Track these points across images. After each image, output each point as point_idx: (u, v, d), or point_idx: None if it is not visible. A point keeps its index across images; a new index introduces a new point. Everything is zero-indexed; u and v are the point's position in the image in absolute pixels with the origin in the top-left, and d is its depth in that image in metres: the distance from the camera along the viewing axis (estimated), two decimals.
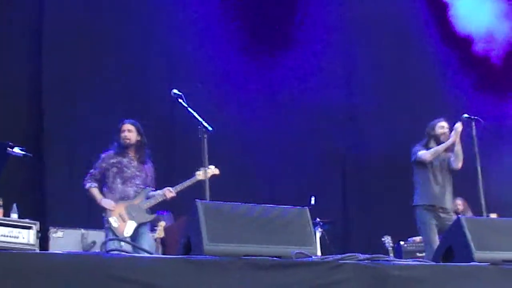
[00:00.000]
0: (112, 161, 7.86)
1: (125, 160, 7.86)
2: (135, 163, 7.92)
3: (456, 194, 9.37)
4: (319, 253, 8.27)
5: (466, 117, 8.44)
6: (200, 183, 7.32)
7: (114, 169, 7.83)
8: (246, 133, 11.54)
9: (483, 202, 8.25)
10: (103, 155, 7.94)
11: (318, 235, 10.15)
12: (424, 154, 8.46)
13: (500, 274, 4.89)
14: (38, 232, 4.12)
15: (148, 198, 7.90)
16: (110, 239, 7.41)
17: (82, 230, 8.99)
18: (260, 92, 12.19)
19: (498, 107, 12.81)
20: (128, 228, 7.66)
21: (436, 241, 8.14)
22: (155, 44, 11.35)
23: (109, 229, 7.71)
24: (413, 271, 4.54)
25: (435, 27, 13.20)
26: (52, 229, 8.80)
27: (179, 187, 7.93)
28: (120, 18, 11.06)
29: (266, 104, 12.20)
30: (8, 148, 6.09)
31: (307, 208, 4.62)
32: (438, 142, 8.59)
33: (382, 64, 12.86)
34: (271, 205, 4.56)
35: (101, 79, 10.56)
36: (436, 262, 5.17)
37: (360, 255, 4.48)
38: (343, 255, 4.38)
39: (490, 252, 5.04)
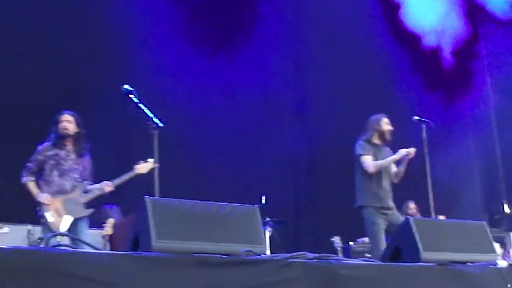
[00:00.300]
0: (49, 153, 7.64)
1: (62, 153, 7.66)
2: (72, 156, 7.72)
3: (406, 196, 9.45)
4: (268, 252, 8.26)
5: (416, 119, 8.49)
6: (150, 179, 7.24)
7: (51, 162, 7.62)
8: (197, 131, 11.50)
9: (431, 203, 8.34)
10: (39, 147, 7.70)
11: (268, 234, 10.14)
12: (368, 165, 8.23)
13: (447, 274, 4.95)
14: None
15: (85, 192, 7.74)
16: (55, 234, 7.25)
17: (29, 226, 8.81)
18: (212, 89, 12.14)
19: (447, 107, 12.97)
20: (64, 223, 7.48)
21: (383, 240, 8.11)
22: (105, 36, 11.22)
23: (45, 224, 7.51)
24: (361, 270, 4.56)
25: (386, 27, 13.33)
26: None
27: (118, 181, 7.80)
28: (70, 11, 10.92)
29: (218, 102, 12.16)
30: None
31: (257, 207, 4.61)
32: (383, 138, 8.43)
33: (333, 63, 12.94)
34: (221, 203, 4.53)
35: (49, 73, 10.40)
36: (384, 262, 5.21)
37: (309, 254, 4.49)
38: (292, 254, 4.38)
39: (437, 253, 5.10)
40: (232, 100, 12.35)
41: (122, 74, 10.43)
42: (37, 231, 8.68)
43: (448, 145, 12.39)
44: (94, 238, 8.12)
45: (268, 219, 10.17)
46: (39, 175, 7.70)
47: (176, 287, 3.78)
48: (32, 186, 7.64)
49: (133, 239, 4.28)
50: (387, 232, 8.15)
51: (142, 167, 7.67)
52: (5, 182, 9.68)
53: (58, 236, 6.91)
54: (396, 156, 8.27)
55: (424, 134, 8.44)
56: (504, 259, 5.71)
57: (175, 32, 11.87)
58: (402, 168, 8.32)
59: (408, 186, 8.85)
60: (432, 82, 13.26)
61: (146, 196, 4.24)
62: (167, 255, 3.91)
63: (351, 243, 10.79)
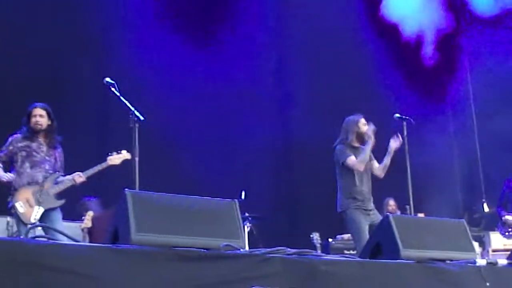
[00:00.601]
0: (20, 144, 7.63)
1: (34, 145, 7.64)
2: (44, 148, 7.70)
3: (386, 193, 9.46)
4: (247, 247, 8.25)
5: (397, 116, 8.48)
6: (131, 172, 7.20)
7: (23, 153, 7.60)
8: (177, 124, 11.46)
9: (411, 201, 8.36)
10: (10, 138, 7.69)
11: (246, 229, 10.14)
12: (354, 164, 8.08)
13: (426, 272, 4.97)
14: None
15: (57, 183, 7.72)
16: (35, 226, 7.22)
17: (8, 218, 8.76)
18: (192, 82, 12.11)
19: (427, 103, 13.01)
20: (35, 214, 7.45)
21: (366, 238, 8.06)
22: (86, 29, 11.17)
23: (16, 214, 7.48)
24: (340, 266, 4.56)
25: (368, 21, 13.35)
26: None
27: (90, 172, 7.79)
28: (51, 3, 10.86)
29: (198, 96, 12.13)
30: None
31: (236, 201, 4.60)
32: (361, 140, 8.25)
33: (314, 57, 12.96)
34: (201, 197, 4.52)
35: (30, 66, 10.32)
36: (364, 259, 5.21)
37: (289, 249, 4.48)
38: (272, 249, 4.38)
39: (416, 250, 5.12)
40: (212, 94, 12.32)
41: (104, 67, 10.41)
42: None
43: (429, 143, 12.42)
44: (73, 231, 8.10)
45: (247, 214, 10.17)
46: (11, 166, 7.68)
47: (155, 280, 3.76)
48: None
49: (113, 231, 4.26)
50: (369, 230, 8.09)
51: (115, 158, 7.74)
52: None
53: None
54: (371, 142, 8.16)
55: (405, 132, 8.43)
56: (483, 258, 5.74)
57: (156, 25, 11.84)
58: (388, 160, 8.26)
59: (388, 184, 8.83)
60: (412, 77, 13.29)
61: (126, 189, 4.22)
62: (146, 248, 3.89)
63: (330, 239, 10.80)
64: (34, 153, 7.63)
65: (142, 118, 6.62)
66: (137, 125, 6.60)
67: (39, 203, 7.49)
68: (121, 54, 11.22)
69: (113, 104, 7.32)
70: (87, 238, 8.81)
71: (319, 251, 10.10)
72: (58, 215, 7.71)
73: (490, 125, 12.92)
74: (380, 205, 9.66)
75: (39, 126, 7.66)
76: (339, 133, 8.43)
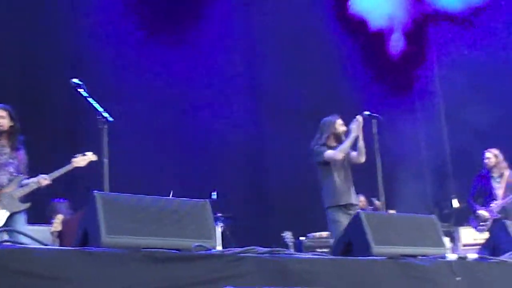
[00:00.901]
0: None
1: None
2: (7, 150, 7.51)
3: (356, 190, 9.47)
4: (219, 247, 8.23)
5: (366, 114, 8.49)
6: (100, 173, 7.14)
7: None
8: (147, 125, 11.43)
9: (383, 198, 8.38)
10: None
11: (219, 230, 10.13)
12: (335, 154, 8.15)
13: (397, 268, 4.99)
14: None
15: (21, 186, 7.60)
16: (3, 230, 7.11)
17: None
18: (161, 82, 12.06)
19: (396, 100, 13.06)
20: (0, 218, 7.36)
21: None
22: (53, 29, 11.06)
23: None
24: (313, 264, 4.56)
25: (335, 20, 13.39)
26: None
27: (55, 174, 7.68)
28: (21, 6, 10.76)
29: (168, 95, 12.08)
30: None
31: (208, 201, 4.58)
32: (339, 140, 8.35)
33: (282, 56, 12.97)
34: (172, 198, 4.50)
35: None
36: (336, 256, 5.22)
37: (261, 248, 4.48)
38: (243, 248, 4.37)
39: (388, 247, 5.14)
40: (182, 93, 12.29)
41: (71, 67, 10.33)
42: None
43: (398, 139, 12.49)
44: (43, 234, 8.01)
45: (219, 214, 10.16)
46: None
47: (126, 283, 3.74)
48: None
49: (82, 234, 4.23)
50: None
51: (80, 160, 7.66)
52: None
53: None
54: (353, 134, 8.22)
55: (375, 129, 8.45)
56: (454, 253, 5.78)
57: (125, 24, 11.77)
58: (361, 142, 8.29)
59: (358, 180, 8.85)
60: (381, 72, 13.34)
61: (95, 190, 4.18)
62: (117, 250, 3.86)
63: (302, 238, 10.81)
64: None
65: (111, 119, 6.56)
66: (105, 126, 6.53)
67: (4, 207, 7.38)
68: (90, 54, 11.15)
69: (82, 105, 7.25)
70: (57, 242, 8.72)
71: (291, 250, 10.12)
72: (23, 218, 7.57)
73: (458, 121, 13.02)
74: None
75: (0, 128, 7.54)
76: (311, 132, 8.50)
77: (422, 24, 13.94)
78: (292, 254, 4.81)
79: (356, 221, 5.32)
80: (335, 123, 8.40)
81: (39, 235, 7.43)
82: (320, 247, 10.39)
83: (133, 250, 3.90)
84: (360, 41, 13.37)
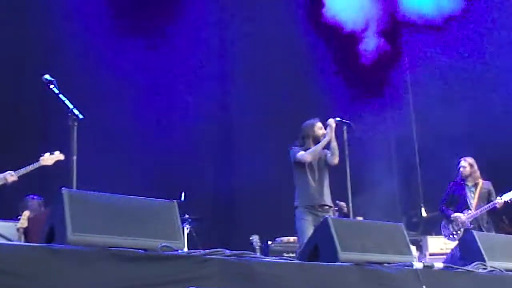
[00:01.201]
0: None
1: None
2: None
3: None
4: (186, 249, 8.20)
5: (338, 120, 8.52)
6: (68, 171, 7.09)
7: None
8: (116, 123, 11.36)
9: (350, 204, 8.42)
10: None
11: (186, 231, 10.11)
12: (303, 155, 8.31)
13: (364, 274, 4.99)
14: None
15: None
16: None
17: None
18: (133, 81, 12.00)
19: (367, 107, 13.11)
20: None
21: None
22: (24, 24, 10.98)
23: None
24: (278, 268, 4.56)
25: (308, 26, 13.42)
26: None
27: (22, 171, 7.72)
28: None
29: (137, 94, 12.04)
30: None
31: (175, 202, 4.57)
32: (317, 143, 8.44)
33: (255, 63, 12.98)
34: (139, 197, 4.47)
35: None
36: (302, 261, 5.22)
37: (227, 251, 4.47)
38: (210, 250, 4.35)
39: (354, 253, 5.14)
40: (152, 93, 12.25)
41: (42, 64, 10.25)
42: None
43: (368, 146, 12.54)
44: (9, 231, 7.94)
45: (186, 216, 10.15)
46: None
47: (91, 281, 3.71)
48: None
49: (49, 231, 4.19)
50: None
51: (48, 159, 7.70)
52: None
53: None
54: (327, 137, 8.33)
55: (345, 136, 8.50)
56: (420, 261, 5.80)
57: (96, 20, 11.70)
58: (334, 143, 8.40)
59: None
60: (353, 77, 13.38)
61: (63, 187, 4.15)
62: (82, 248, 3.83)
63: (269, 242, 10.82)
64: None
65: (81, 116, 6.53)
66: (75, 123, 6.50)
67: None
68: (61, 50, 11.08)
69: (53, 102, 7.19)
70: (23, 238, 8.63)
71: (258, 254, 10.10)
72: None
73: (427, 129, 13.10)
74: None
75: None
76: (281, 135, 8.59)
77: (395, 29, 14.00)
78: (258, 257, 4.80)
79: (323, 226, 5.32)
80: (314, 126, 8.57)
81: (5, 231, 7.42)
82: (287, 252, 10.39)
83: (100, 248, 3.87)
84: (333, 45, 13.40)
